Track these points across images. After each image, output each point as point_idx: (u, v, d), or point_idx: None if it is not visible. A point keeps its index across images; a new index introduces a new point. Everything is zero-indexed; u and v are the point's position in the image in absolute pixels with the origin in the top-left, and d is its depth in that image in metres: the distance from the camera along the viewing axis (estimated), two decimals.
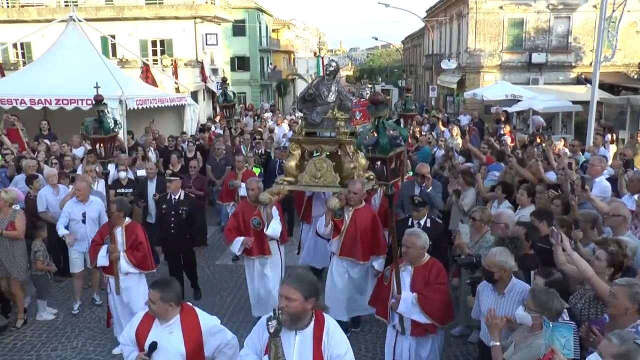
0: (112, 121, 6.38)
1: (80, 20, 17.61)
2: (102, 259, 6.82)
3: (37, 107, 14.40)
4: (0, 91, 15.19)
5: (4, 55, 31.19)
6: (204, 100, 33.59)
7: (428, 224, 6.99)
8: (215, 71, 37.03)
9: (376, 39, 71.62)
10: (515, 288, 4.90)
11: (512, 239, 5.40)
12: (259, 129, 18.78)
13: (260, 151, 13.68)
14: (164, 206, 8.38)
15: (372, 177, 7.77)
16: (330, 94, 8.09)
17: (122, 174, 10.35)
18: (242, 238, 7.26)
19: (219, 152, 12.72)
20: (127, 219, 7.04)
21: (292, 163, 8.07)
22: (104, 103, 6.42)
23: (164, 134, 15.71)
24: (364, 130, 5.41)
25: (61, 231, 8.13)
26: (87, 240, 7.97)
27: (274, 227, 7.23)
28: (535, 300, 4.17)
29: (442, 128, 18.49)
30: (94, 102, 6.40)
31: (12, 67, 28.22)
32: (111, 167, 11.33)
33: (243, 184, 9.37)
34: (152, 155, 13.40)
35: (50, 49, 17.43)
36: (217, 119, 22.76)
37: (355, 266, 7.09)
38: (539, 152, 10.52)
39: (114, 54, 31.16)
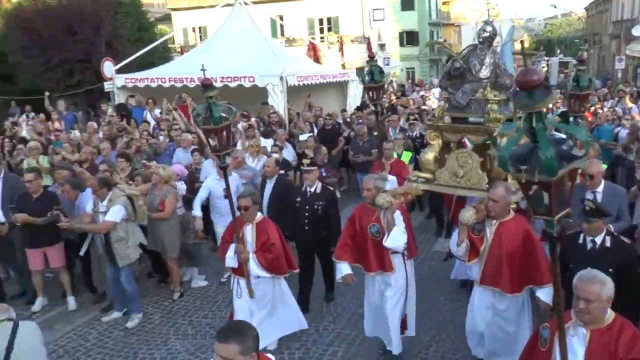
0: (226, 108, 5.36)
1: (246, 4, 18.14)
2: (230, 260, 6.08)
3: None
4: (175, 70, 16.25)
5: (184, 38, 33.63)
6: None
7: (608, 243, 5.00)
8: (382, 47, 36.67)
9: (555, 7, 66.14)
10: None
11: None
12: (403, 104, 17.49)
13: (414, 133, 11.82)
14: (298, 199, 7.34)
15: None
16: (484, 67, 6.31)
17: (276, 156, 10.01)
18: (347, 270, 6.01)
19: (362, 137, 11.55)
20: (259, 215, 6.24)
21: (429, 156, 6.47)
22: (214, 87, 5.37)
23: (327, 111, 15.60)
24: (506, 132, 3.92)
25: (196, 211, 8.08)
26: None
27: (395, 238, 5.72)
28: None
29: (630, 104, 16.33)
30: (202, 87, 5.34)
31: (191, 49, 30.19)
32: (269, 143, 11.55)
33: (391, 177, 8.24)
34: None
35: (217, 31, 18.34)
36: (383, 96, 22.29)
37: (503, 297, 5.33)
38: None
39: (282, 34, 32.03)
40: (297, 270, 6.53)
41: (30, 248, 7.62)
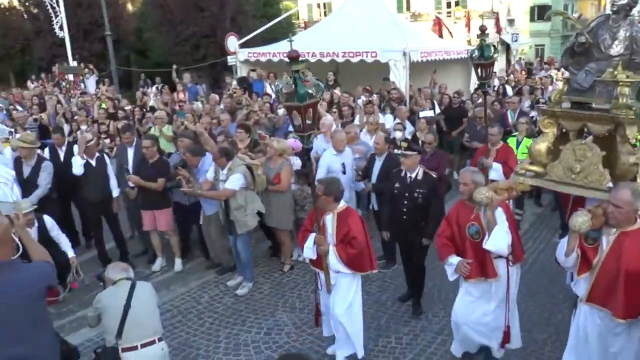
0: (313, 85, 4.84)
1: None
2: (308, 251, 5.53)
3: (326, 60, 15.05)
4: (296, 45, 16.28)
5: (309, 14, 33.97)
6: (497, 53, 31.94)
7: None
8: (511, 22, 35.03)
9: None
10: None
11: None
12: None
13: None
14: (397, 185, 6.67)
15: None
16: (616, 42, 5.15)
17: (398, 134, 9.44)
18: (457, 260, 5.28)
19: (480, 120, 10.36)
20: (342, 204, 5.60)
21: (541, 146, 5.42)
22: (301, 60, 4.91)
23: (451, 89, 14.97)
24: None
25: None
26: (346, 190, 7.95)
27: (497, 240, 5.03)
28: None
29: None
30: (288, 60, 4.85)
31: (314, 24, 30.41)
32: (389, 119, 11.27)
33: (495, 165, 7.77)
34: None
35: (341, 6, 18.23)
36: (510, 75, 21.10)
37: (616, 322, 4.36)
38: None
39: (408, 9, 31.41)
40: (376, 271, 5.81)
41: (143, 209, 8.11)
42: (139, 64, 25.59)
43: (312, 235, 5.47)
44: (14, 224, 4.42)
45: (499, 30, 31.57)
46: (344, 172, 7.96)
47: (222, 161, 7.23)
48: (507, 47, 30.85)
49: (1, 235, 3.87)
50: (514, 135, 9.29)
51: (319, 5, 35.37)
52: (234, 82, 15.97)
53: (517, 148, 8.88)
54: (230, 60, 17.60)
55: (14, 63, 29.72)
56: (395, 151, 7.84)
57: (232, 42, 17.67)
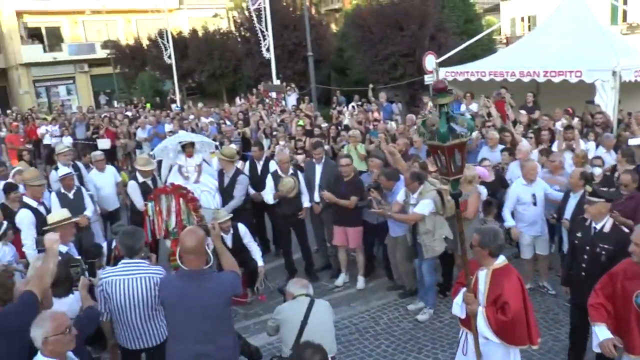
0: (464, 122, 4.11)
1: None
2: (457, 307, 4.84)
3: (526, 80, 14.29)
4: (495, 64, 15.74)
5: (511, 29, 32.64)
6: None
7: None
8: None
9: None
10: None
11: None
12: None
13: None
14: (579, 234, 5.74)
15: None
16: None
17: (597, 170, 8.11)
18: (604, 335, 4.49)
19: None
20: (501, 259, 4.71)
21: None
22: (449, 91, 4.26)
23: None
24: None
25: (508, 221, 7.60)
26: (538, 223, 7.54)
27: None
28: None
29: None
30: (435, 92, 4.25)
31: (517, 40, 29.12)
32: (591, 147, 10.24)
33: None
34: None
35: (546, 20, 17.25)
36: None
37: None
38: None
39: (624, 19, 28.68)
40: (536, 347, 4.84)
41: (335, 225, 8.37)
42: (338, 82, 26.60)
43: (463, 291, 4.77)
44: (209, 234, 4.82)
45: None
46: (535, 204, 7.51)
47: (414, 186, 7.25)
48: None
49: (197, 246, 4.28)
50: None
51: (522, 19, 33.80)
52: (430, 103, 15.83)
53: None
54: (427, 79, 17.47)
55: (227, 81, 32.79)
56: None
57: (430, 60, 17.53)
